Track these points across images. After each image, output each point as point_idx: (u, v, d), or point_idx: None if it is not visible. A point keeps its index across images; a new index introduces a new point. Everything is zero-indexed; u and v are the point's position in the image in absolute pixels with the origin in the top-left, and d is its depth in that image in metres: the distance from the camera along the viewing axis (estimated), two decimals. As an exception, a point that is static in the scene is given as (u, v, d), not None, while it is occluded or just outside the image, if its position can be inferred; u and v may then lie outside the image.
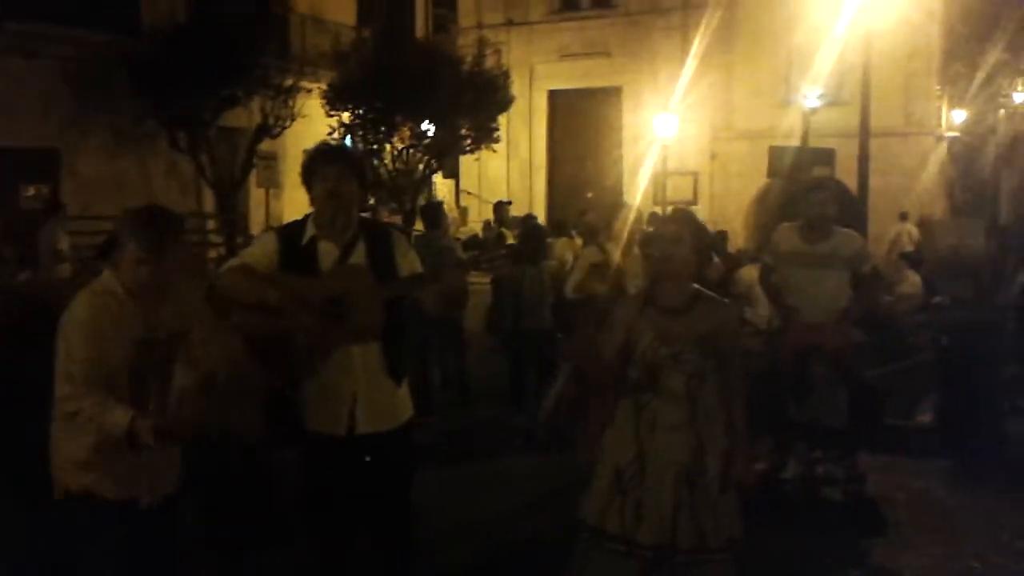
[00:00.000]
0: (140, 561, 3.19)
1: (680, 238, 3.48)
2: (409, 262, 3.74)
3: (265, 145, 16.98)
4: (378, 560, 3.84)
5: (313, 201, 3.69)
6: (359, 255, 3.65)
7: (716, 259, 6.71)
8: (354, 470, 3.68)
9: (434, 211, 8.84)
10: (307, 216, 3.75)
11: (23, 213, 14.99)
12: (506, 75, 19.20)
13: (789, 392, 5.73)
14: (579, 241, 8.70)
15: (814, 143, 14.91)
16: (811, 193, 5.88)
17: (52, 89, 15.03)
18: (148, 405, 3.11)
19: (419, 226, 12.00)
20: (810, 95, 18.62)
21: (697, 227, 3.64)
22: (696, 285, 3.56)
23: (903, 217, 17.74)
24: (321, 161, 3.65)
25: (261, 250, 3.73)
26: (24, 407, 3.33)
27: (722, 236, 10.01)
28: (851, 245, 5.81)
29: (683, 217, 3.70)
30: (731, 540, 3.50)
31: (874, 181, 15.99)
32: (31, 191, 15.52)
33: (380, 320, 3.56)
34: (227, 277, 3.68)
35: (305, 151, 3.81)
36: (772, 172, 13.55)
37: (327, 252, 3.65)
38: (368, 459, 3.66)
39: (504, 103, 18.86)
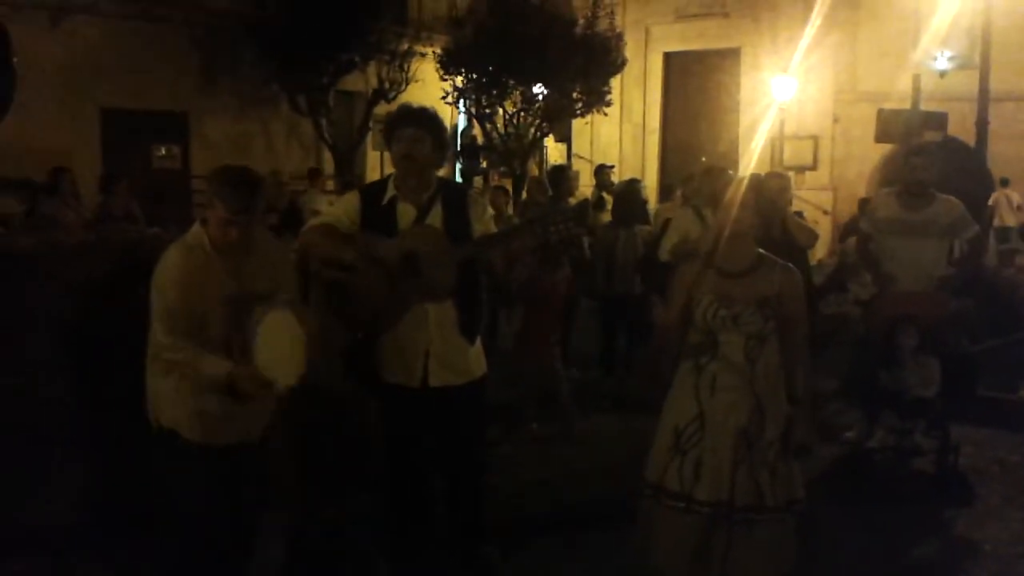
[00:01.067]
0: (220, 501, 3.36)
1: (746, 201, 3.51)
2: (484, 224, 3.86)
3: (381, 109, 17.34)
4: (452, 504, 4.04)
5: (393, 161, 3.84)
6: (436, 215, 3.79)
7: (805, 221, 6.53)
8: (427, 420, 3.86)
9: (558, 176, 8.84)
10: (388, 176, 3.92)
11: (154, 172, 15.86)
12: (619, 37, 18.97)
13: (880, 361, 5.66)
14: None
15: (943, 107, 14.27)
16: (911, 157, 5.74)
17: (181, 54, 15.71)
18: (240, 358, 3.22)
19: (524, 194, 12.08)
20: (940, 57, 17.78)
21: (760, 191, 3.65)
22: (760, 249, 3.58)
23: (1004, 183, 16.81)
24: (399, 123, 3.79)
25: (344, 209, 3.91)
26: (125, 348, 3.58)
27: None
28: (950, 212, 5.66)
29: (750, 180, 3.71)
30: (791, 502, 3.54)
31: (1003, 148, 15.23)
32: (162, 151, 16.38)
33: (452, 279, 3.69)
34: (308, 235, 3.87)
35: (387, 117, 3.96)
36: (881, 136, 13.03)
37: (405, 212, 3.80)
38: (439, 411, 3.83)
39: (616, 66, 18.67)
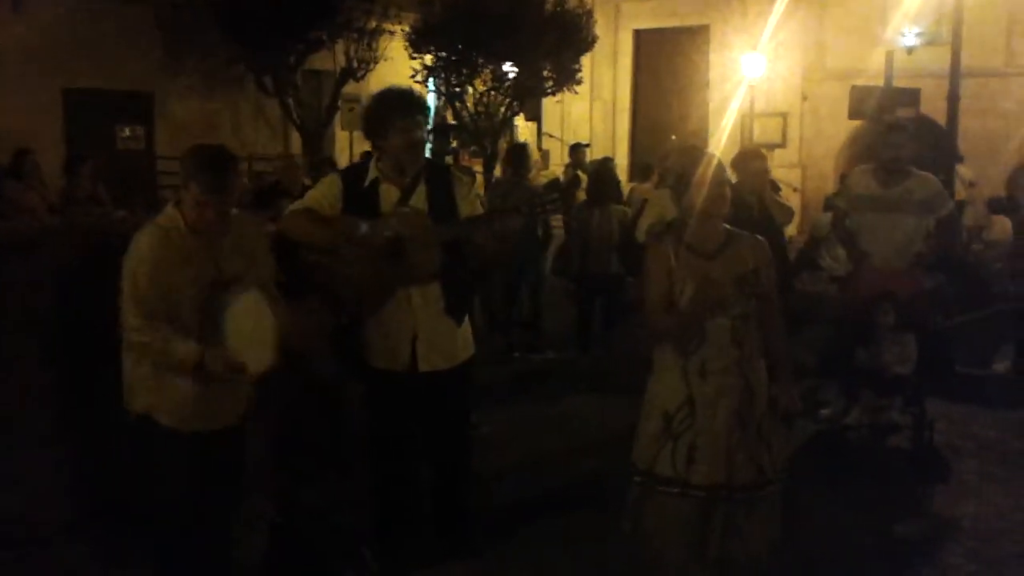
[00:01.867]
0: (199, 485, 3.33)
1: (723, 182, 3.49)
2: (469, 204, 3.82)
3: (349, 88, 17.16)
4: (438, 489, 4.01)
5: (386, 150, 3.73)
6: (420, 197, 3.73)
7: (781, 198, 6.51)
8: (415, 405, 3.82)
9: (518, 154, 8.80)
10: (368, 157, 3.85)
11: (119, 154, 15.60)
12: (589, 15, 18.89)
13: (857, 338, 5.68)
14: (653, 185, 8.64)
15: (912, 84, 14.34)
16: (888, 134, 5.74)
17: (146, 33, 15.44)
18: (215, 340, 3.18)
19: (498, 171, 12.03)
20: (908, 33, 17.87)
21: (739, 170, 3.64)
22: (725, 225, 3.55)
23: (958, 160, 16.97)
24: (400, 112, 3.69)
25: (324, 192, 3.84)
26: (102, 333, 3.51)
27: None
28: (926, 188, 5.67)
29: (720, 163, 3.68)
30: (784, 468, 3.56)
31: (970, 123, 15.33)
32: (127, 132, 16.10)
33: (437, 261, 3.65)
34: (290, 220, 3.81)
35: (373, 97, 3.86)
36: (854, 113, 13.08)
37: (388, 193, 3.74)
38: (427, 395, 3.79)
39: (587, 44, 18.60)
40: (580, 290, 8.08)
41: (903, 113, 11.15)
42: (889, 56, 12.75)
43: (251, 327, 3.15)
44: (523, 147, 9.75)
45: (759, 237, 3.59)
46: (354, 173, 3.87)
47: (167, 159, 15.76)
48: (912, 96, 12.09)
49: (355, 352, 3.81)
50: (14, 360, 4.13)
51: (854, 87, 12.97)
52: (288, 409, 4.15)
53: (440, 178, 3.83)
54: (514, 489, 5.09)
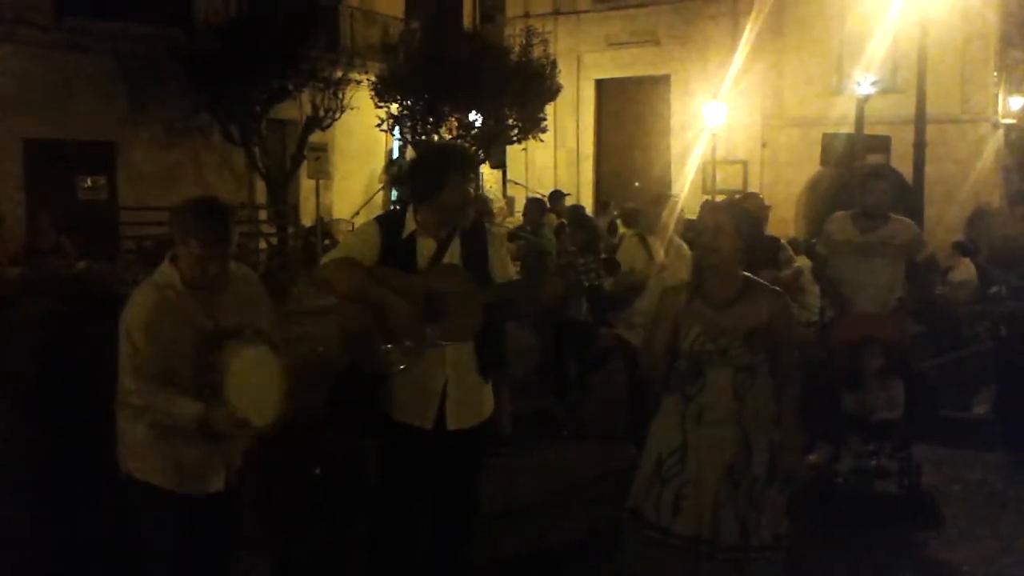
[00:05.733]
0: (189, 549, 3.19)
1: (722, 228, 3.41)
2: (501, 261, 3.74)
3: (315, 137, 17.13)
4: (440, 546, 3.86)
5: (436, 204, 3.62)
6: (454, 252, 3.65)
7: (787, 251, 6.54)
8: (432, 462, 3.69)
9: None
10: (405, 208, 3.74)
11: (80, 204, 15.34)
12: (553, 65, 19.11)
13: (843, 384, 5.66)
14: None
15: (868, 131, 14.66)
16: (870, 180, 5.77)
17: (107, 83, 15.29)
18: (215, 396, 3.06)
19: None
20: (863, 82, 18.29)
21: (739, 215, 3.54)
22: (746, 274, 3.50)
23: None
24: (458, 168, 3.64)
25: (363, 241, 3.69)
26: (82, 387, 3.38)
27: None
28: (906, 232, 5.71)
29: (725, 205, 3.64)
30: (777, 537, 3.45)
31: (928, 168, 15.72)
32: (88, 183, 15.86)
33: (478, 323, 3.54)
34: (331, 270, 3.65)
35: (426, 151, 3.77)
36: (825, 160, 13.32)
37: (425, 247, 3.63)
38: (448, 452, 3.66)
39: (551, 93, 18.78)
40: (556, 335, 8.00)
41: (873, 159, 11.35)
42: (860, 102, 13.03)
43: (255, 382, 3.04)
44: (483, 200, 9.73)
45: (781, 292, 3.52)
46: (391, 223, 3.72)
47: (130, 209, 15.55)
48: (882, 143, 12.34)
49: (376, 404, 3.64)
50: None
51: (825, 134, 13.23)
52: (277, 463, 4.01)
53: (474, 233, 3.74)
54: (502, 541, 4.96)
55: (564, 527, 5.27)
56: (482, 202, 8.53)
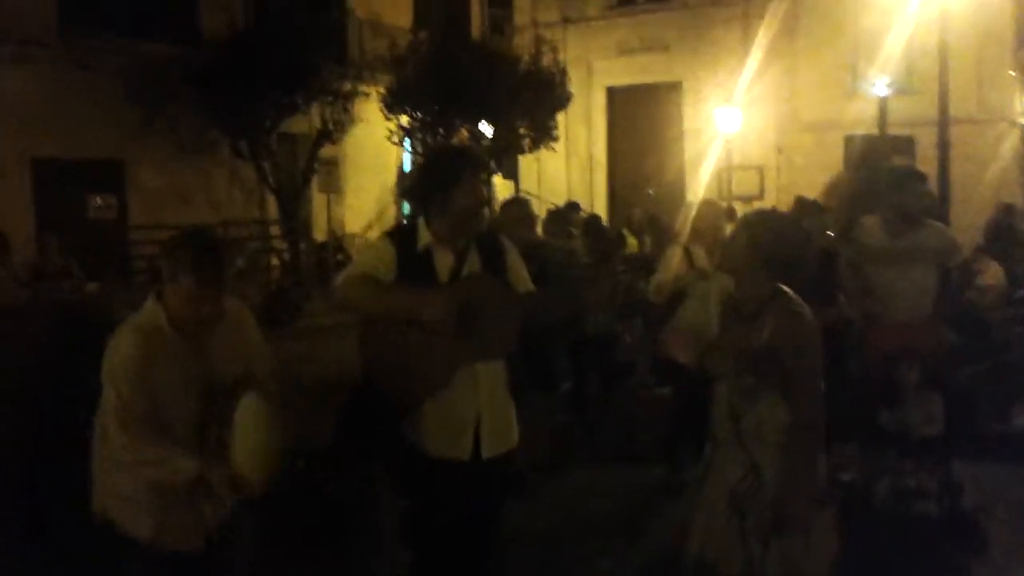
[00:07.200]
0: None
1: (736, 238, 3.29)
2: (516, 272, 3.51)
3: (325, 151, 17.01)
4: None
5: (446, 211, 3.37)
6: (474, 261, 3.41)
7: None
8: (471, 496, 3.38)
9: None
10: (415, 220, 3.50)
11: (90, 224, 15.22)
12: (563, 73, 18.93)
13: (879, 399, 5.41)
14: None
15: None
16: (909, 182, 5.52)
17: (115, 101, 15.19)
18: (216, 452, 2.83)
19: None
20: (879, 83, 18.02)
21: (758, 226, 3.28)
22: (781, 288, 3.20)
23: None
24: (466, 169, 3.38)
25: (377, 257, 3.44)
26: (66, 413, 3.17)
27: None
28: (940, 237, 5.48)
29: (745, 217, 3.44)
30: None
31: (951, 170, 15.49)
32: (98, 202, 15.74)
33: (515, 336, 3.29)
34: (351, 289, 3.39)
35: (429, 156, 3.56)
36: (848, 162, 13.05)
37: (443, 259, 3.39)
38: (483, 484, 3.39)
39: (562, 101, 18.61)
40: (574, 351, 7.77)
41: (898, 161, 11.09)
42: (881, 104, 12.75)
43: (253, 438, 2.76)
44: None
45: (798, 313, 3.16)
46: (404, 236, 3.47)
47: (140, 228, 15.43)
48: (906, 144, 12.06)
49: (399, 440, 3.34)
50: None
51: (846, 137, 12.95)
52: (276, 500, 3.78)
53: (490, 244, 3.51)
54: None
55: (584, 559, 4.98)
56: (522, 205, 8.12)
